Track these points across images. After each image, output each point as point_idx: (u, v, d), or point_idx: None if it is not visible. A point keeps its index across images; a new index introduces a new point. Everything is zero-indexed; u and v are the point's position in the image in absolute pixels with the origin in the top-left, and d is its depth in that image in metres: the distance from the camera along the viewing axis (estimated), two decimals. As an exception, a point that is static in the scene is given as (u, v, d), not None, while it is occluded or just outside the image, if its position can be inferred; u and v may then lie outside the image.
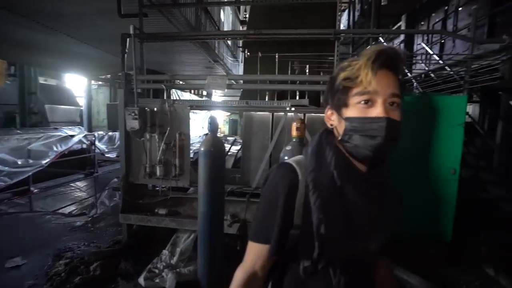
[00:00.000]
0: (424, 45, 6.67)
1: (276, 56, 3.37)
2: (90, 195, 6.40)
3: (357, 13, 8.32)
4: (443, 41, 7.57)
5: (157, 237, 3.46)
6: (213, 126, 2.45)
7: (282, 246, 0.73)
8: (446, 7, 7.97)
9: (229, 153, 7.03)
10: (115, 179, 6.16)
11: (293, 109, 2.83)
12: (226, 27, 11.16)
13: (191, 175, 3.38)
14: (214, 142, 2.36)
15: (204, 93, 15.80)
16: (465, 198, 3.73)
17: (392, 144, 0.66)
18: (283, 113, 2.95)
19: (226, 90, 3.07)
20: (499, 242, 3.41)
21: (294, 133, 1.88)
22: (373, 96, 0.65)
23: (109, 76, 12.43)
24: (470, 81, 3.76)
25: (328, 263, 0.68)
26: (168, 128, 3.20)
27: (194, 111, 13.26)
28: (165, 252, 3.04)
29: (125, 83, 3.21)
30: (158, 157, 3.22)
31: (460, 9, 7.21)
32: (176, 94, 11.53)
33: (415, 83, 5.72)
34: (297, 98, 3.16)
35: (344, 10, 11.37)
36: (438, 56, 5.89)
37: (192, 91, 15.45)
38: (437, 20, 8.56)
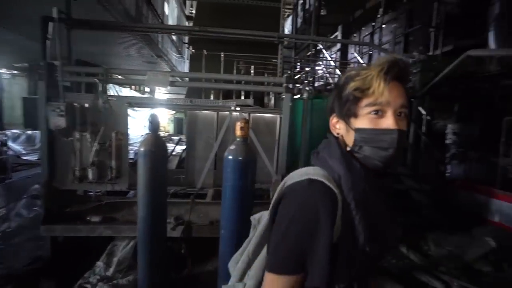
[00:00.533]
0: (356, 55, 7.49)
1: (222, 55, 3.36)
2: (0, 206, 5.37)
3: (300, 20, 8.84)
4: (371, 52, 8.62)
5: (89, 249, 3.11)
6: (153, 125, 2.31)
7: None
8: (373, 23, 9.09)
9: (173, 153, 6.73)
10: (36, 186, 5.30)
11: (238, 108, 2.87)
12: (171, 21, 10.65)
13: (130, 178, 3.14)
14: (155, 141, 2.23)
15: (147, 89, 14.79)
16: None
17: (401, 153, 0.69)
18: (228, 113, 2.96)
19: (168, 87, 2.94)
20: (410, 224, 4.05)
21: (238, 132, 1.90)
22: (384, 107, 0.65)
23: (26, 64, 10.65)
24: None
25: (361, 273, 0.67)
26: (103, 127, 2.91)
27: (135, 108, 12.33)
28: (99, 264, 2.75)
29: (47, 75, 2.79)
30: (91, 159, 2.90)
31: (384, 26, 8.30)
32: (113, 90, 10.52)
33: (338, 82, 6.35)
34: (242, 98, 3.21)
35: (288, 16, 11.98)
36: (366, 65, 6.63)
37: (133, 87, 14.32)
38: (366, 33, 9.70)
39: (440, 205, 4.54)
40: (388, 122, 0.65)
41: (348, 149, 0.70)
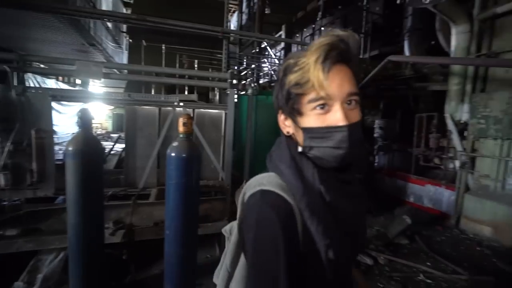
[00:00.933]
0: (298, 54, 7.92)
1: (163, 47, 3.18)
2: None
3: (245, 17, 8.92)
4: (312, 52, 9.22)
5: (5, 269, 2.65)
6: (84, 120, 2.07)
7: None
8: (313, 25, 9.72)
9: (112, 152, 6.16)
10: None
11: (181, 104, 2.77)
12: (105, 6, 9.59)
13: (57, 182, 2.77)
14: (86, 139, 2.01)
15: (78, 81, 13.10)
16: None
17: (358, 146, 0.59)
18: (171, 108, 2.84)
19: (103, 79, 2.66)
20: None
21: (181, 128, 1.84)
22: (329, 100, 0.56)
23: None
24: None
25: (336, 274, 0.61)
26: (18, 124, 2.49)
27: (64, 103, 10.81)
28: (18, 284, 2.37)
29: None
30: (2, 162, 2.46)
31: (322, 28, 8.94)
32: (34, 81, 9.03)
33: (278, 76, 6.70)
34: (186, 93, 3.10)
35: (234, 12, 11.94)
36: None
37: (61, 78, 12.51)
38: (307, 34, 10.32)
39: (370, 192, 5.17)
40: (335, 117, 0.56)
41: (300, 149, 0.62)
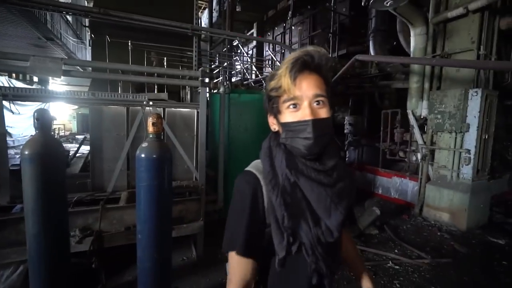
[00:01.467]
0: (270, 52, 8.00)
1: (129, 44, 3.03)
2: None
3: (216, 14, 8.80)
4: (283, 51, 9.35)
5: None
6: (42, 122, 1.91)
7: (258, 247, 0.76)
8: (284, 24, 9.87)
9: (77, 154, 5.78)
10: None
11: (151, 103, 2.66)
12: (63, -2, 8.92)
13: (12, 189, 2.54)
14: (44, 142, 1.86)
15: (35, 79, 12.04)
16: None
17: (324, 138, 0.73)
18: (140, 107, 2.72)
19: (61, 77, 2.47)
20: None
21: (150, 129, 1.77)
22: (298, 100, 0.71)
23: None
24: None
25: (300, 248, 0.74)
26: (-38, 127, 2.24)
27: (20, 102, 9.90)
28: (-30, 302, 2.15)
29: None
30: None
31: (293, 27, 9.12)
32: (-20, 79, 8.15)
33: (264, 83, 6.75)
34: (156, 91, 2.99)
35: (205, 9, 11.72)
36: (279, 63, 7.19)
37: (14, 75, 11.42)
38: (279, 33, 10.45)
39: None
40: (303, 113, 0.71)
41: (283, 141, 0.77)
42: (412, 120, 4.88)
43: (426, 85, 4.68)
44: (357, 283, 1.00)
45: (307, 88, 0.71)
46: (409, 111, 4.93)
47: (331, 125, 0.75)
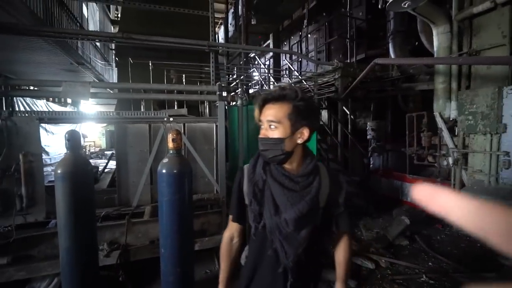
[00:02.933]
0: (287, 62, 8.03)
1: (150, 64, 3.18)
2: None
3: (231, 28, 9.04)
4: (300, 60, 9.35)
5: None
6: (72, 142, 2.05)
7: (242, 217, 1.12)
8: (300, 33, 9.91)
9: (105, 170, 6.08)
10: None
11: (171, 119, 2.76)
12: (92, 25, 9.66)
13: (48, 205, 2.71)
14: (74, 161, 1.98)
15: (69, 101, 13.01)
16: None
17: (271, 153, 0.99)
18: (161, 124, 2.82)
19: (90, 99, 2.65)
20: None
21: (170, 144, 1.83)
22: (262, 123, 1.01)
23: None
24: (318, 93, 4.81)
25: (264, 228, 1.01)
26: (5, 149, 2.45)
27: (56, 124, 10.70)
28: (11, 314, 2.28)
29: None
30: (-10, 189, 2.40)
31: (309, 35, 9.12)
32: (22, 103, 8.94)
33: None
34: (176, 107, 3.10)
35: (221, 24, 12.10)
36: (297, 72, 7.18)
37: (51, 99, 12.43)
38: (295, 42, 10.49)
39: (367, 194, 5.16)
40: (261, 132, 1.01)
41: None
42: (440, 123, 4.60)
43: (454, 85, 4.42)
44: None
45: (266, 115, 0.99)
46: (436, 113, 4.67)
47: (280, 143, 0.97)
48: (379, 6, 4.13)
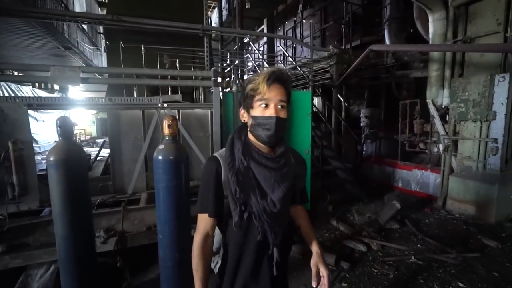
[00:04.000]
0: (281, 47, 7.89)
1: (142, 48, 3.08)
2: None
3: (225, 12, 8.78)
4: (295, 45, 9.21)
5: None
6: (64, 129, 1.99)
7: (220, 210, 1.03)
8: (295, 18, 9.70)
9: (98, 158, 6.00)
10: None
11: (165, 105, 2.71)
12: (78, 7, 9.23)
13: (41, 193, 2.68)
14: (67, 148, 1.93)
15: (56, 87, 12.59)
16: (314, 172, 4.79)
17: (280, 133, 1.00)
18: (155, 110, 2.77)
19: (80, 84, 2.56)
20: (339, 200, 4.60)
21: (166, 131, 1.80)
22: (268, 101, 0.96)
23: None
24: (312, 80, 4.78)
25: (251, 215, 0.99)
26: (-8, 136, 2.37)
27: (44, 111, 10.39)
28: (8, 300, 2.29)
29: None
30: (-21, 177, 2.34)
31: (304, 21, 8.95)
32: (7, 89, 8.61)
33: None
34: (170, 93, 3.04)
35: (214, 8, 11.73)
36: (291, 58, 7.09)
37: (37, 85, 11.99)
38: (289, 27, 10.29)
39: (360, 180, 5.26)
40: (270, 111, 0.97)
41: (249, 129, 1.04)
42: (432, 110, 4.67)
43: (447, 73, 4.46)
44: (309, 248, 1.20)
45: (275, 94, 0.97)
46: (429, 101, 4.73)
47: (286, 123, 1.02)
48: (376, -9, 4.06)
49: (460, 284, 2.52)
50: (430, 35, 4.59)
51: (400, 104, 5.38)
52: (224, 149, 1.08)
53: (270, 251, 1.03)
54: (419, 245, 3.26)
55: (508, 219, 3.84)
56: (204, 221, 1.05)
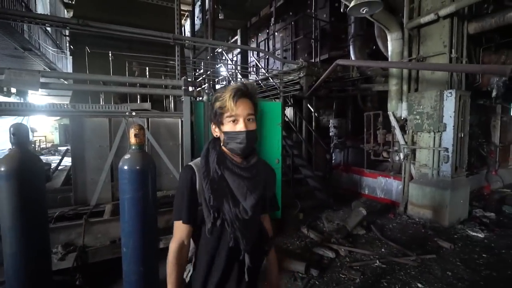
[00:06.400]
0: (254, 58, 8.08)
1: (110, 54, 2.99)
2: None
3: (198, 22, 8.82)
4: (267, 57, 9.46)
5: None
6: (19, 136, 1.86)
7: (194, 217, 1.06)
8: (268, 30, 10.01)
9: (59, 167, 5.58)
10: None
11: (133, 113, 2.63)
12: (41, 7, 8.70)
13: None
14: (21, 157, 1.80)
15: (13, 90, 11.59)
16: (285, 180, 4.89)
17: (252, 144, 1.05)
18: (123, 118, 2.68)
19: (39, 89, 2.41)
20: (309, 207, 4.73)
21: (132, 140, 1.76)
22: (237, 117, 1.01)
23: None
24: (283, 90, 4.94)
25: (223, 222, 1.03)
26: None
27: (-6, 116, 9.50)
28: None
29: None
30: None
31: (276, 33, 9.26)
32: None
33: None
34: (139, 101, 2.96)
35: (187, 17, 11.72)
36: (264, 69, 7.27)
37: (-11, 88, 10.93)
38: (262, 39, 10.58)
39: (329, 188, 5.46)
40: (240, 126, 1.02)
41: (222, 144, 1.09)
42: (393, 121, 5.04)
43: (405, 87, 4.86)
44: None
45: (243, 109, 1.02)
46: (390, 113, 5.10)
47: (256, 134, 1.06)
48: (341, 10, 4.36)
49: (419, 285, 2.70)
50: (389, 53, 5.00)
51: (365, 115, 5.73)
52: (199, 158, 1.12)
53: (241, 256, 1.06)
54: (383, 249, 3.44)
55: (459, 222, 4.21)
56: (179, 228, 1.07)
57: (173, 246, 1.07)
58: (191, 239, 1.13)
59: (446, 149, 4.21)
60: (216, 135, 1.11)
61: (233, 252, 1.06)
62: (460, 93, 4.18)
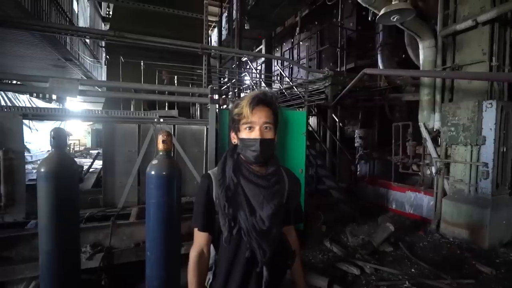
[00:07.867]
0: (278, 67, 8.11)
1: (142, 64, 3.15)
2: None
3: (225, 32, 9.07)
4: (291, 66, 9.47)
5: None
6: (58, 140, 1.99)
7: (212, 226, 1.06)
8: (292, 40, 10.06)
9: (90, 169, 5.91)
10: None
11: (161, 120, 2.73)
12: (82, 21, 9.46)
13: (30, 204, 2.61)
14: (59, 160, 1.92)
15: (54, 97, 12.59)
16: (308, 191, 4.77)
17: (267, 153, 1.04)
18: (151, 124, 2.79)
19: (78, 96, 2.58)
20: (332, 220, 4.56)
21: (160, 146, 1.81)
22: (253, 124, 1.01)
23: None
24: (308, 100, 4.90)
25: (240, 231, 1.01)
26: (-17, 145, 2.34)
27: (40, 120, 10.33)
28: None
29: None
30: (-34, 186, 2.28)
31: (301, 43, 9.27)
32: (3, 98, 8.59)
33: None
34: (166, 108, 3.07)
35: (214, 27, 12.12)
36: (288, 78, 7.27)
37: (34, 94, 11.99)
38: (287, 48, 10.63)
39: (354, 201, 5.25)
40: (255, 133, 1.02)
41: (239, 151, 1.08)
42: (424, 133, 4.77)
43: (438, 97, 4.60)
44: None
45: (259, 117, 1.01)
46: (421, 124, 4.83)
47: (273, 143, 1.06)
48: (369, 19, 4.27)
49: (455, 312, 2.47)
50: (421, 61, 4.78)
51: (393, 126, 5.48)
52: (217, 166, 1.12)
53: (258, 268, 1.03)
54: (413, 269, 3.21)
55: (502, 244, 3.82)
56: (198, 236, 1.08)
57: (192, 254, 1.08)
58: (211, 247, 1.12)
59: (486, 164, 3.88)
60: (234, 142, 1.11)
61: (250, 264, 1.03)
62: (502, 104, 3.87)
